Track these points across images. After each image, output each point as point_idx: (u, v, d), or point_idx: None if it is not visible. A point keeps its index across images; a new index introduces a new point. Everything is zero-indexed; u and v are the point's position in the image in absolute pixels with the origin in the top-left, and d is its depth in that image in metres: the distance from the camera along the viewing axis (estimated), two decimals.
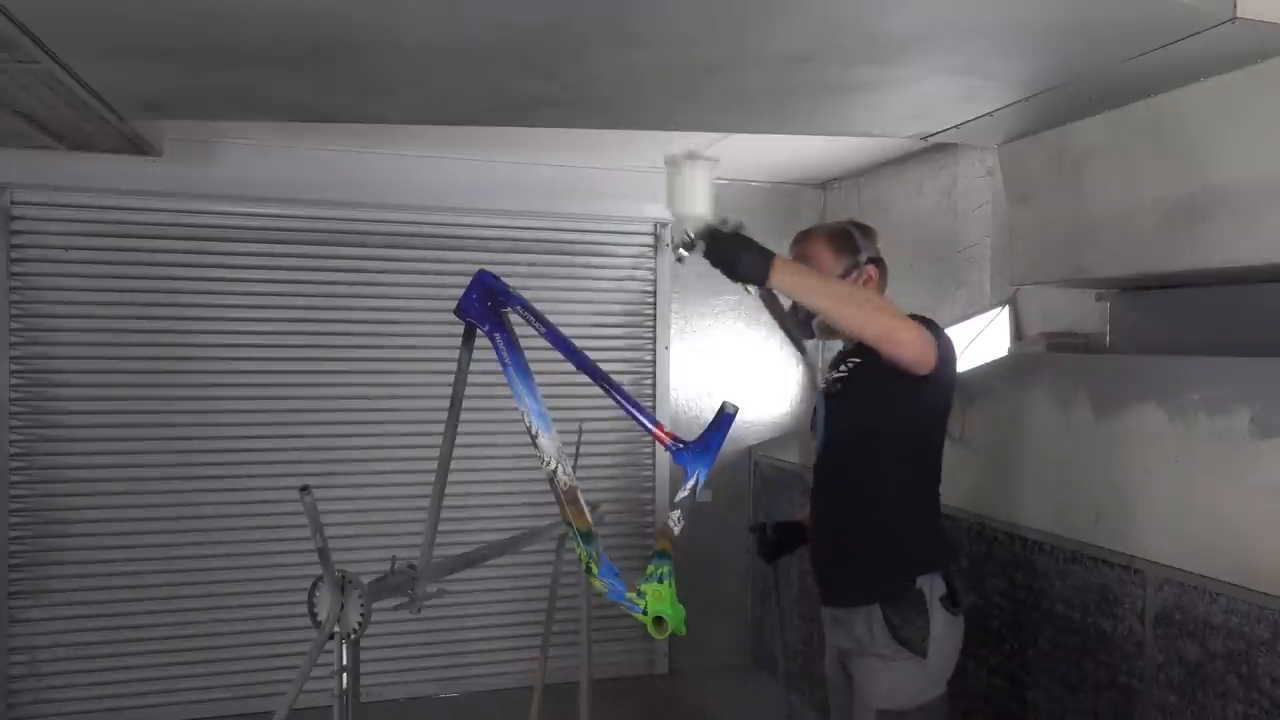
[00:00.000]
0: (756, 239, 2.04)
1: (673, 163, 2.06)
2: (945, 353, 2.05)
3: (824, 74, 2.32)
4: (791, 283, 1.97)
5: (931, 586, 2.12)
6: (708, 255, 2.01)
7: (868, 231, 2.33)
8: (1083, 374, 2.68)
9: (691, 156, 2.05)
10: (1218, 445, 2.20)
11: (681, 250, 2.05)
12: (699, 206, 2.04)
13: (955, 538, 3.01)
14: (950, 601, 2.12)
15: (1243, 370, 2.23)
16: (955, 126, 2.81)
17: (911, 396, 2.07)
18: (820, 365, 2.31)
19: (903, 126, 2.91)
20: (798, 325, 2.27)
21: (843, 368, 2.24)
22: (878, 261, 2.29)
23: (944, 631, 2.12)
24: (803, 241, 2.31)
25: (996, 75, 2.31)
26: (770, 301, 2.24)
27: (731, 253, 1.97)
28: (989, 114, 2.64)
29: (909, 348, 1.94)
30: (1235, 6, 1.83)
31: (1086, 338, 3.04)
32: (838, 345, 2.45)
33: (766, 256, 1.94)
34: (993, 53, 2.15)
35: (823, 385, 2.32)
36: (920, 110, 2.67)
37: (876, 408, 2.13)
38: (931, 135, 2.97)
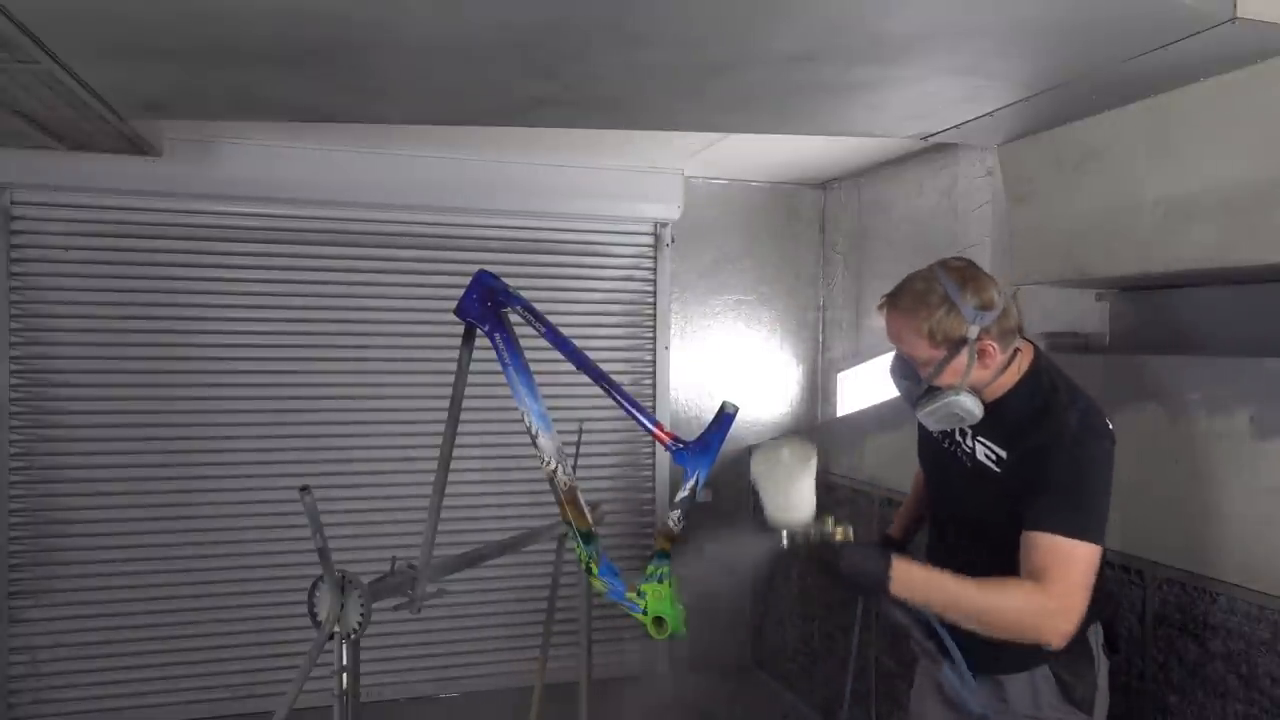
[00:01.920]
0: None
1: (768, 459, 1.90)
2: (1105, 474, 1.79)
3: (825, 74, 2.32)
4: (912, 599, 1.76)
5: (1096, 636, 1.92)
6: (817, 568, 1.92)
7: (981, 288, 1.80)
8: (1083, 374, 2.67)
9: (792, 449, 1.90)
10: (1218, 445, 2.20)
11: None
12: (802, 510, 1.90)
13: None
14: (1109, 648, 1.95)
15: (1243, 370, 2.23)
16: (955, 126, 2.81)
17: None
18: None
19: (903, 126, 2.91)
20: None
21: (986, 446, 1.89)
22: (998, 321, 1.80)
23: (1105, 682, 1.93)
24: (893, 315, 1.88)
25: (997, 75, 2.31)
26: None
27: (846, 570, 1.80)
28: (989, 114, 2.64)
29: (1056, 645, 1.70)
30: (1235, 6, 1.83)
31: (1086, 338, 3.04)
32: None
33: (883, 572, 1.74)
34: (994, 53, 2.14)
35: (949, 444, 1.99)
36: (921, 110, 2.67)
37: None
38: (932, 135, 2.97)
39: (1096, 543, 1.70)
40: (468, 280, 2.15)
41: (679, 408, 4.59)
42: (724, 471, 4.53)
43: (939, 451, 2.03)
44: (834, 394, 4.72)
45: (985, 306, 1.79)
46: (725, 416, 1.98)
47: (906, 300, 1.84)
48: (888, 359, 4.46)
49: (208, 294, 3.96)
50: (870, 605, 1.95)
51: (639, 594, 1.94)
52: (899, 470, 3.42)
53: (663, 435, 2.05)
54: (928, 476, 2.14)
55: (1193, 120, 2.27)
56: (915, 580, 1.75)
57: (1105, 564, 2.39)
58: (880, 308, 1.90)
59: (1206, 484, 2.21)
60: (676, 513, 1.99)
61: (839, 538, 1.87)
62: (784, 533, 1.88)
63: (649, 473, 4.56)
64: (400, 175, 4.05)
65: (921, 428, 2.05)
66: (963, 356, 1.79)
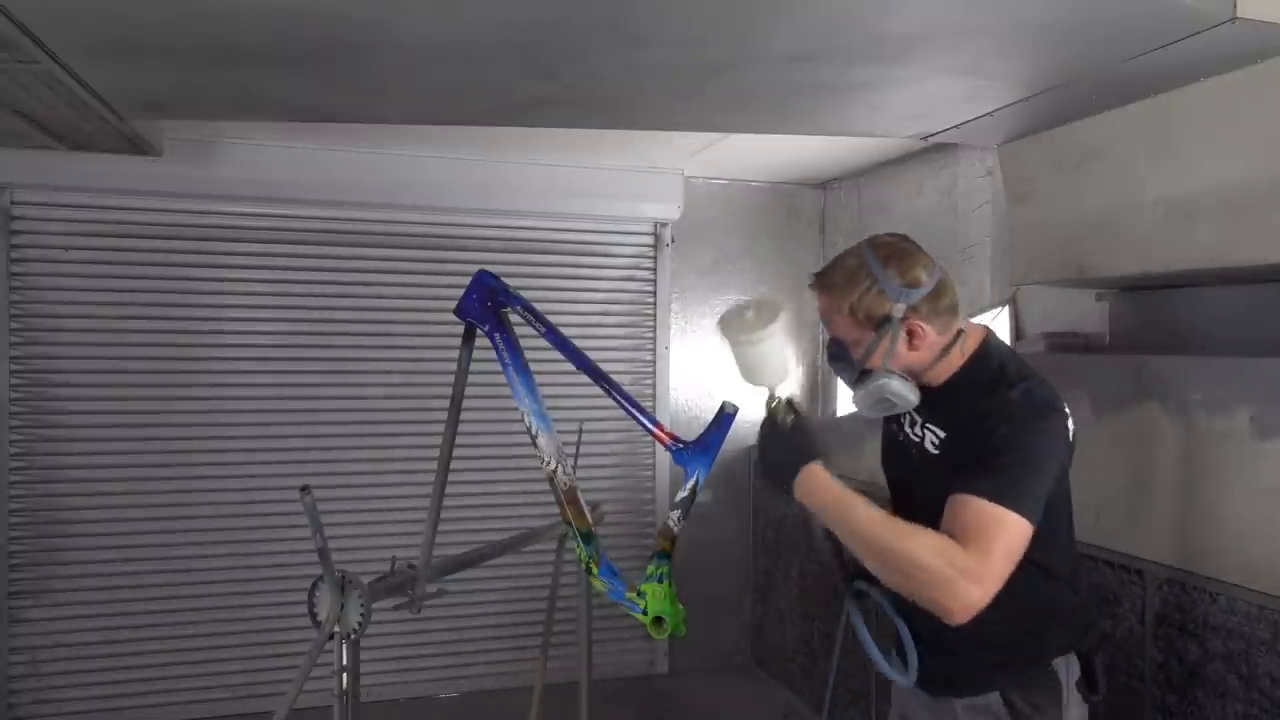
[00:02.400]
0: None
1: (731, 321, 1.78)
2: (1056, 444, 1.64)
3: (825, 74, 2.32)
4: (813, 507, 1.66)
5: (1068, 670, 1.73)
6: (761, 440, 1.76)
7: (904, 263, 1.70)
8: (1083, 374, 2.68)
9: (758, 307, 1.77)
10: (1218, 445, 2.21)
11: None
12: (767, 375, 1.79)
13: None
14: (1087, 687, 1.75)
15: (1243, 370, 2.23)
16: (956, 126, 2.81)
17: None
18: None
19: (903, 126, 2.91)
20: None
21: (931, 431, 1.77)
22: (927, 300, 1.69)
23: None
24: (820, 295, 1.79)
25: (997, 75, 2.31)
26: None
27: (761, 453, 1.73)
28: (989, 114, 2.64)
29: (958, 615, 1.49)
30: (1235, 6, 1.83)
31: (1086, 338, 3.04)
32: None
33: (792, 468, 1.66)
34: (994, 53, 2.15)
35: (903, 436, 1.88)
36: (921, 110, 2.67)
37: None
38: (932, 135, 2.97)
39: (1028, 518, 1.53)
40: (468, 280, 2.15)
41: (679, 408, 4.59)
42: (724, 471, 4.54)
43: (893, 447, 1.93)
44: (834, 394, 4.73)
45: (911, 284, 1.68)
46: (725, 416, 1.98)
47: (831, 278, 1.76)
48: None
49: (208, 294, 3.96)
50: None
51: (639, 594, 1.94)
52: None
53: (663, 435, 2.05)
54: (888, 479, 1.98)
55: (1193, 120, 2.27)
56: (823, 490, 1.63)
57: (1105, 564, 2.40)
58: (810, 287, 1.81)
59: (1206, 484, 2.21)
60: (676, 513, 1.98)
61: (780, 414, 1.74)
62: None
63: (649, 473, 4.56)
64: (400, 175, 4.05)
65: (884, 426, 1.95)
66: (893, 338, 1.69)
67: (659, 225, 4.52)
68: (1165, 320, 2.71)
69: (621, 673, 4.44)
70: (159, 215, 3.90)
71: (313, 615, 2.08)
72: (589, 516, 2.06)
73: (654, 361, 4.56)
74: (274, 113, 3.02)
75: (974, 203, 3.68)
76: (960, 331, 1.75)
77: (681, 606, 1.96)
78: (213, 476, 3.98)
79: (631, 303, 4.52)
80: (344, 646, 2.07)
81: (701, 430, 2.01)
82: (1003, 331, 3.39)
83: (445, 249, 4.24)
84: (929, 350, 1.73)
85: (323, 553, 2.04)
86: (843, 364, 1.80)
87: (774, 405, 1.77)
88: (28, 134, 3.07)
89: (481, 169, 4.13)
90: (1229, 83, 2.15)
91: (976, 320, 3.50)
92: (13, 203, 3.74)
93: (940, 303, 1.71)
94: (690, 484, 1.98)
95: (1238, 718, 2.05)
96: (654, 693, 4.40)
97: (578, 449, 3.00)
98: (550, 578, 3.18)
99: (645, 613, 1.93)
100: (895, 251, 1.72)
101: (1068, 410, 1.67)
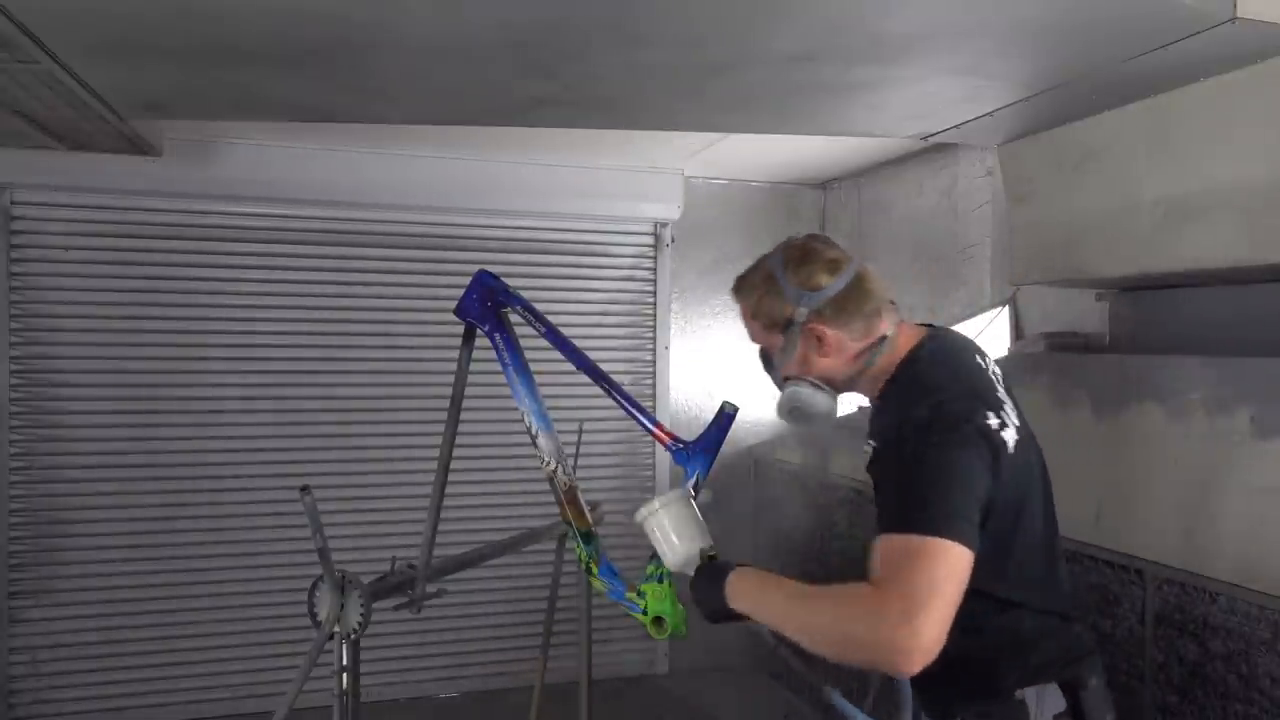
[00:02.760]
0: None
1: (643, 515, 1.77)
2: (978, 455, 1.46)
3: (825, 74, 2.32)
4: (752, 614, 1.59)
5: (1041, 701, 1.54)
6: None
7: (805, 264, 1.63)
8: (1083, 374, 2.68)
9: (663, 498, 1.77)
10: (1218, 445, 2.20)
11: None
12: (680, 553, 1.76)
13: None
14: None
15: (1243, 370, 2.23)
16: (955, 126, 2.81)
17: None
18: None
19: (903, 126, 2.91)
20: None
21: (870, 446, 1.63)
22: (833, 303, 1.61)
23: None
24: (736, 302, 1.78)
25: (997, 75, 2.31)
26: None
27: (695, 595, 1.68)
28: (989, 114, 2.64)
29: (902, 665, 1.32)
30: (1235, 6, 1.83)
31: (1086, 338, 3.04)
32: None
33: (720, 588, 1.60)
34: (994, 53, 2.15)
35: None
36: (921, 110, 2.67)
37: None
38: (932, 135, 2.97)
39: (954, 539, 1.35)
40: (468, 280, 2.15)
41: (679, 408, 4.59)
42: (724, 471, 4.53)
43: None
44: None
45: (809, 288, 1.60)
46: (725, 416, 1.99)
47: (741, 282, 1.73)
48: None
49: (208, 294, 3.96)
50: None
51: (639, 594, 1.94)
52: None
53: (663, 435, 2.05)
54: None
55: (1193, 120, 2.27)
56: (749, 589, 1.57)
57: (1105, 564, 2.40)
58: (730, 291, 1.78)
59: (1206, 484, 2.21)
60: None
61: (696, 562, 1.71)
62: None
63: (649, 473, 4.56)
64: (400, 175, 4.05)
65: None
66: (799, 344, 1.63)
67: (659, 225, 4.52)
68: (1165, 320, 2.71)
69: (621, 673, 4.44)
70: (159, 215, 3.89)
71: (313, 615, 2.08)
72: (589, 516, 2.06)
73: (654, 361, 4.56)
74: (274, 113, 3.02)
75: (974, 203, 3.68)
76: (884, 338, 1.63)
77: (681, 606, 1.96)
78: (213, 476, 3.98)
79: (631, 303, 4.52)
80: (344, 646, 2.08)
81: (701, 430, 2.01)
82: (1003, 331, 3.39)
83: (445, 249, 4.23)
84: (843, 357, 1.64)
85: (323, 553, 2.04)
86: (769, 373, 1.76)
87: (700, 553, 1.74)
88: (28, 134, 3.07)
89: (481, 169, 4.13)
90: (1229, 83, 2.15)
91: (975, 320, 3.51)
92: (13, 203, 3.73)
93: (848, 306, 1.61)
94: (690, 484, 1.98)
95: (1238, 718, 2.05)
96: (654, 693, 4.40)
97: (578, 449, 3.00)
98: (550, 578, 3.18)
99: (645, 613, 1.93)
100: (799, 254, 1.66)
101: (993, 423, 1.47)
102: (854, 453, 3.96)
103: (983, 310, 3.52)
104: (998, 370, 1.66)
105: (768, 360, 1.75)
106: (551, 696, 3.18)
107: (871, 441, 1.61)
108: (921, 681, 1.58)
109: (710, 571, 1.65)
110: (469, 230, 4.27)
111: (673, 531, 1.73)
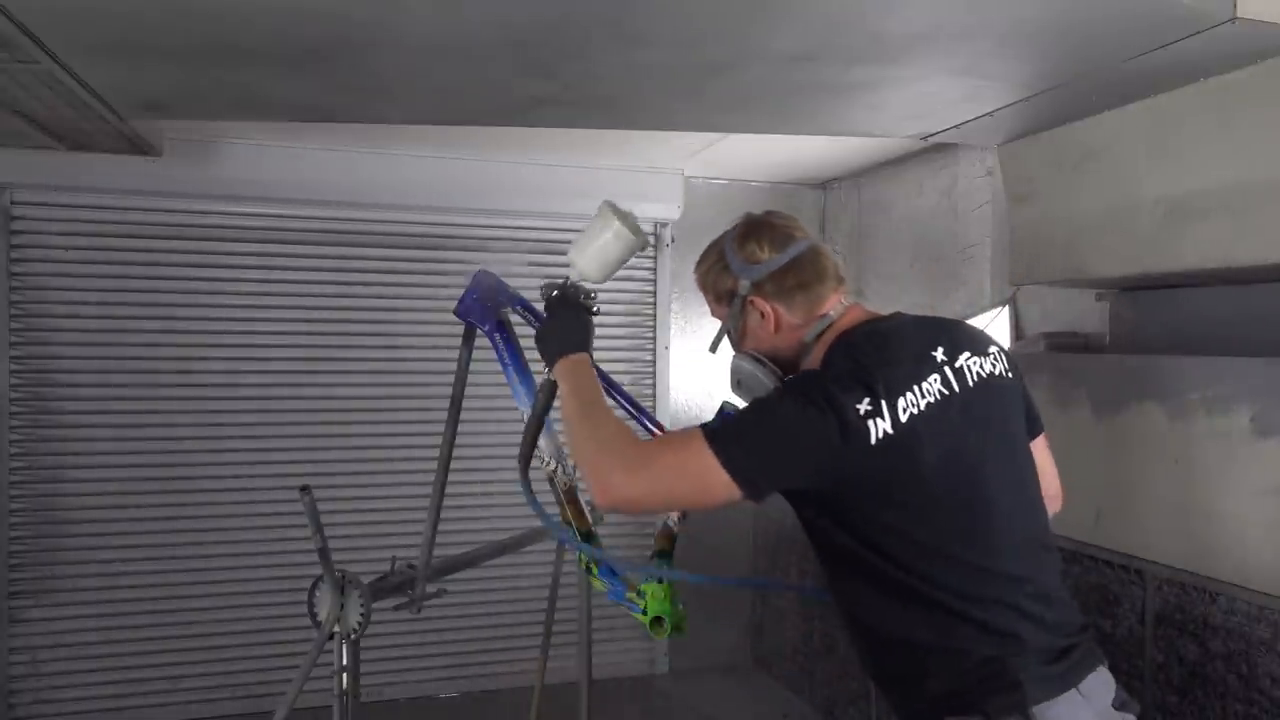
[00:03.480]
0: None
1: (604, 213, 1.85)
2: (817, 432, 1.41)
3: (825, 73, 2.32)
4: (562, 383, 1.67)
5: (1089, 698, 1.46)
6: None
7: (750, 238, 1.68)
8: (1083, 374, 2.68)
9: (626, 222, 1.82)
10: (1218, 445, 2.21)
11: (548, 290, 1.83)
12: (596, 269, 1.82)
13: None
14: None
15: (1243, 370, 2.23)
16: (955, 126, 2.81)
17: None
18: None
19: (903, 126, 2.91)
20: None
21: None
22: (774, 279, 1.63)
23: None
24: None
25: (997, 75, 2.31)
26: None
27: (551, 316, 1.74)
28: (989, 114, 2.64)
29: (597, 495, 1.44)
30: (1235, 6, 1.83)
31: (1086, 338, 3.04)
32: None
33: (560, 350, 1.67)
34: (993, 53, 2.15)
35: None
36: (921, 110, 2.67)
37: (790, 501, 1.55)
38: (932, 135, 2.97)
39: (720, 459, 1.38)
40: (468, 280, 2.15)
41: (679, 408, 4.59)
42: None
43: None
44: None
45: (751, 261, 1.64)
46: (725, 416, 1.98)
47: (701, 256, 1.78)
48: None
49: (208, 294, 3.96)
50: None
51: (639, 594, 1.94)
52: None
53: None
54: None
55: (1193, 120, 2.27)
56: (568, 371, 1.65)
57: (1105, 564, 2.40)
58: None
59: (1206, 484, 2.21)
60: (677, 513, 1.98)
61: (580, 298, 1.77)
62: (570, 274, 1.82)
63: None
64: (400, 175, 4.04)
65: None
66: (743, 317, 1.66)
67: (659, 225, 4.52)
68: (1165, 320, 2.71)
69: (621, 673, 4.44)
70: (159, 215, 3.89)
71: (313, 615, 2.09)
72: (589, 516, 2.06)
73: (654, 361, 4.56)
74: (274, 113, 3.02)
75: (974, 203, 3.68)
76: (824, 316, 1.63)
77: (681, 606, 1.96)
78: (213, 476, 3.98)
79: (631, 303, 4.52)
80: (344, 646, 2.08)
81: None
82: (1003, 332, 3.39)
83: (445, 249, 4.24)
84: (788, 334, 1.64)
85: (323, 553, 2.04)
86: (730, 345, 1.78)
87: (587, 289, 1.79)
88: (28, 134, 3.07)
89: (481, 169, 4.13)
90: (1229, 83, 2.15)
91: (975, 320, 3.51)
92: (13, 203, 3.73)
93: (788, 282, 1.62)
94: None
95: (1238, 718, 2.05)
96: (654, 693, 4.40)
97: None
98: (550, 578, 3.18)
99: (645, 613, 1.93)
100: (746, 228, 1.71)
101: (861, 407, 1.40)
102: None
103: (983, 310, 3.52)
104: (971, 364, 1.55)
105: (730, 338, 1.77)
106: (551, 696, 3.17)
107: None
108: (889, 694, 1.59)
109: (577, 322, 1.72)
110: (469, 230, 4.27)
111: (596, 248, 1.79)
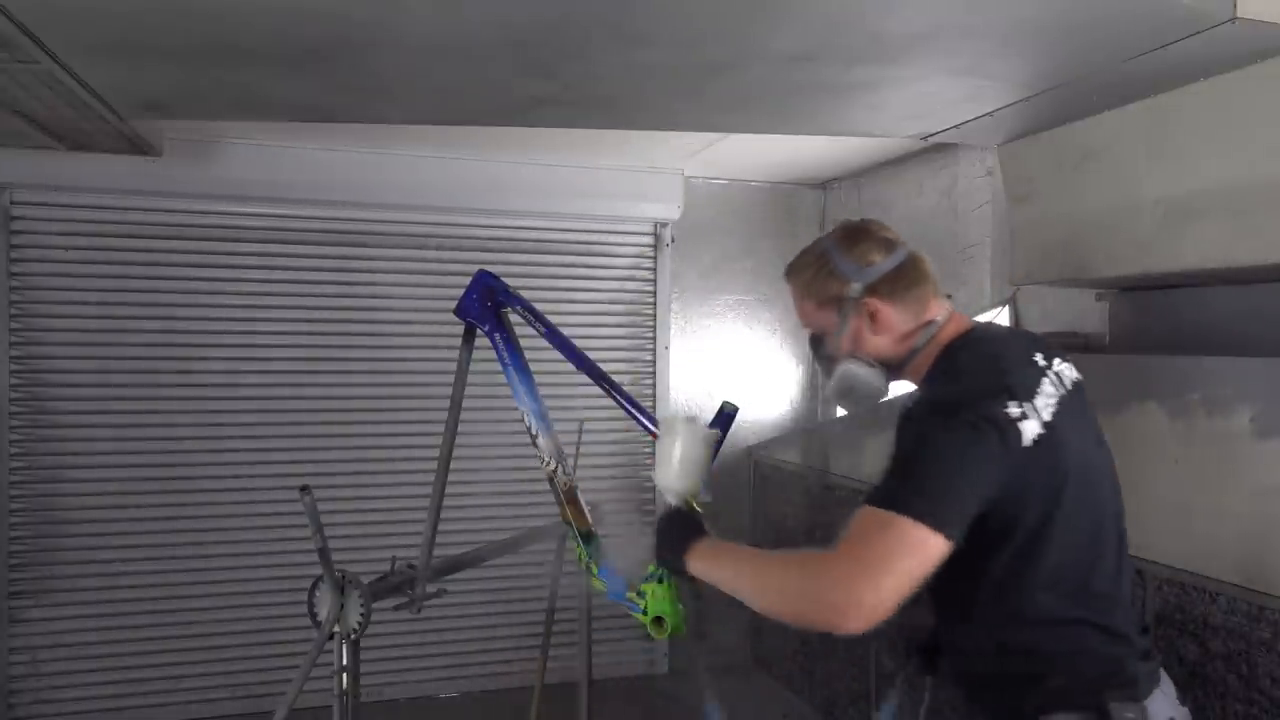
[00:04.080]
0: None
1: (668, 426, 1.77)
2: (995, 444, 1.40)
3: (825, 73, 2.32)
4: (706, 574, 1.60)
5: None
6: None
7: (858, 244, 1.66)
8: (1083, 374, 2.67)
9: (691, 426, 1.76)
10: (1218, 445, 2.20)
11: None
12: (680, 482, 1.75)
13: None
14: None
15: (1243, 370, 2.23)
16: (955, 126, 2.81)
17: None
18: None
19: (903, 126, 2.91)
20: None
21: None
22: (887, 281, 1.63)
23: None
24: (789, 285, 1.77)
25: (997, 75, 2.31)
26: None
27: (657, 533, 1.68)
28: (989, 114, 2.64)
29: (839, 624, 1.34)
30: (1235, 6, 1.83)
31: (1086, 338, 3.04)
32: None
33: (683, 549, 1.61)
34: (993, 53, 2.15)
35: None
36: (921, 110, 2.67)
37: None
38: (932, 135, 2.97)
39: (926, 523, 1.33)
40: (468, 280, 2.15)
41: (679, 408, 4.59)
42: (724, 471, 4.53)
43: None
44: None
45: (863, 263, 1.63)
46: (725, 416, 1.99)
47: (793, 264, 1.73)
48: None
49: (208, 294, 3.96)
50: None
51: (639, 594, 1.94)
52: None
53: None
54: None
55: (1193, 120, 2.27)
56: (708, 555, 1.58)
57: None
58: (784, 278, 1.78)
59: (1206, 484, 2.21)
60: None
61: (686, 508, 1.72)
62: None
63: (649, 473, 4.56)
64: (400, 175, 4.04)
65: None
66: (854, 320, 1.63)
67: (659, 225, 4.52)
68: (1165, 320, 2.71)
69: (621, 673, 4.44)
70: (159, 215, 3.89)
71: (313, 615, 2.09)
72: (589, 516, 2.06)
73: (654, 361, 4.55)
74: (274, 113, 3.02)
75: (974, 203, 3.68)
76: (932, 322, 1.64)
77: (681, 606, 1.96)
78: (213, 476, 3.98)
79: (631, 303, 4.52)
80: (344, 646, 2.08)
81: None
82: None
83: (445, 249, 4.23)
84: (896, 337, 1.64)
85: (323, 553, 2.04)
86: (820, 358, 1.75)
87: (691, 499, 1.75)
88: (28, 134, 3.07)
89: (482, 169, 4.13)
90: (1229, 83, 2.15)
91: (983, 317, 3.51)
92: (13, 203, 3.73)
93: (900, 284, 1.63)
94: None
95: (1238, 718, 2.05)
96: (654, 693, 4.39)
97: (578, 449, 3.00)
98: (550, 578, 3.18)
99: (645, 613, 1.94)
100: (852, 232, 1.69)
101: (1011, 411, 1.42)
102: (853, 452, 3.94)
103: (983, 310, 3.52)
104: (1063, 369, 1.60)
105: (819, 344, 1.74)
106: (551, 696, 3.17)
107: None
108: (964, 691, 1.59)
109: (683, 523, 1.66)
110: (469, 230, 4.27)
111: (678, 457, 1.73)
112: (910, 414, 1.48)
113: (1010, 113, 2.60)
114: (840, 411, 1.74)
